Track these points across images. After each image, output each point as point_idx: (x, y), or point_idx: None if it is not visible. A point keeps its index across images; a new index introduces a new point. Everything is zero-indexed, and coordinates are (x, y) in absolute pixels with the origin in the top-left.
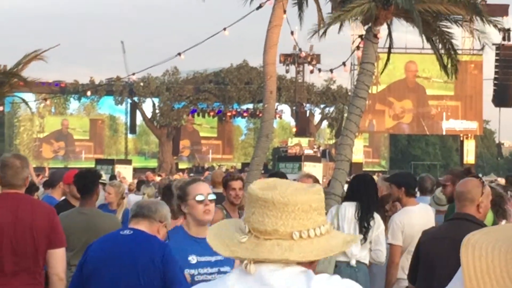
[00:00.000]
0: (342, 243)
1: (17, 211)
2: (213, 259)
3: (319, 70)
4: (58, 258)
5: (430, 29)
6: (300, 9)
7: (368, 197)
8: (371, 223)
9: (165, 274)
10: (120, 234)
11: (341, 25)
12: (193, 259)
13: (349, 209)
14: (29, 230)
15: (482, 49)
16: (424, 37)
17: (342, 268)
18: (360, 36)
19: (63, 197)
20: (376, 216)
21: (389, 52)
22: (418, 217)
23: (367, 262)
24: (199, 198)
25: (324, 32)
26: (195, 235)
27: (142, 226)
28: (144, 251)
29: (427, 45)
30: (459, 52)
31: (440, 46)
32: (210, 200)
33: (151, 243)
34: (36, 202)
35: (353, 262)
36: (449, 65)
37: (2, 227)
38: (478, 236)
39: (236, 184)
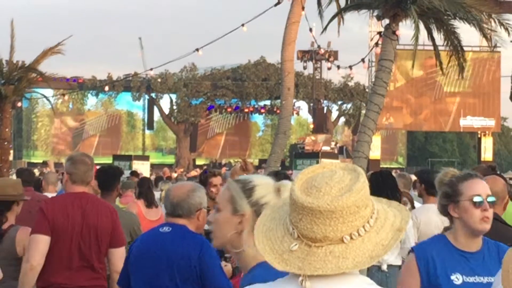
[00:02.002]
0: (391, 231)
1: (84, 211)
2: (485, 280)
3: (338, 67)
4: (118, 257)
5: (441, 27)
6: (319, 5)
7: (387, 193)
8: None
9: (202, 273)
10: (159, 231)
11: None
12: (457, 278)
13: None
14: (94, 229)
15: (495, 47)
16: (426, 34)
17: (373, 272)
18: (379, 33)
19: None
20: None
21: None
22: (435, 215)
23: (399, 263)
24: (477, 199)
25: (338, 17)
26: (463, 248)
27: (181, 221)
28: (180, 250)
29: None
30: (477, 49)
31: (448, 43)
32: (490, 203)
33: (188, 241)
34: (101, 203)
35: (384, 267)
36: (447, 63)
37: (73, 226)
38: None
39: (217, 180)
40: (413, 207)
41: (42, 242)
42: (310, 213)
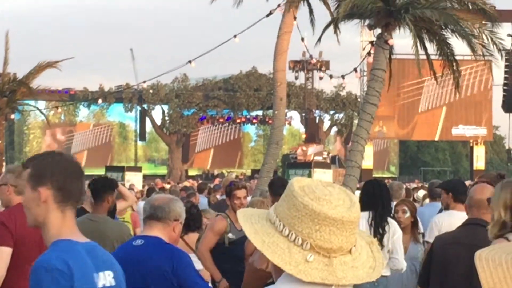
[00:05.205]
0: (366, 244)
1: None
2: None
3: (330, 76)
4: None
5: (433, 37)
6: (311, 13)
7: (383, 202)
8: (386, 228)
9: (179, 283)
10: (132, 245)
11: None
12: None
13: (361, 221)
14: (40, 235)
15: (485, 57)
16: (419, 43)
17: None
18: (371, 42)
19: None
20: (392, 221)
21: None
22: (458, 221)
23: (388, 274)
24: None
25: (334, 26)
26: None
27: (156, 229)
28: (153, 263)
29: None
30: (469, 58)
31: (440, 53)
32: None
33: (160, 254)
34: None
35: None
36: (441, 73)
37: (30, 235)
38: (487, 251)
39: (241, 193)
40: (412, 216)
41: (6, 254)
42: (331, 224)
